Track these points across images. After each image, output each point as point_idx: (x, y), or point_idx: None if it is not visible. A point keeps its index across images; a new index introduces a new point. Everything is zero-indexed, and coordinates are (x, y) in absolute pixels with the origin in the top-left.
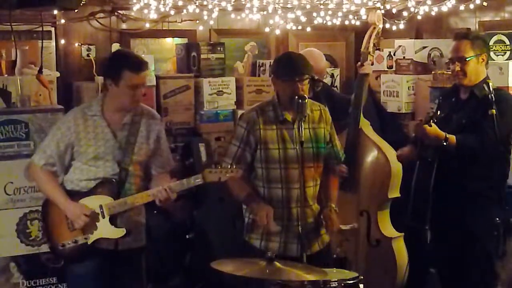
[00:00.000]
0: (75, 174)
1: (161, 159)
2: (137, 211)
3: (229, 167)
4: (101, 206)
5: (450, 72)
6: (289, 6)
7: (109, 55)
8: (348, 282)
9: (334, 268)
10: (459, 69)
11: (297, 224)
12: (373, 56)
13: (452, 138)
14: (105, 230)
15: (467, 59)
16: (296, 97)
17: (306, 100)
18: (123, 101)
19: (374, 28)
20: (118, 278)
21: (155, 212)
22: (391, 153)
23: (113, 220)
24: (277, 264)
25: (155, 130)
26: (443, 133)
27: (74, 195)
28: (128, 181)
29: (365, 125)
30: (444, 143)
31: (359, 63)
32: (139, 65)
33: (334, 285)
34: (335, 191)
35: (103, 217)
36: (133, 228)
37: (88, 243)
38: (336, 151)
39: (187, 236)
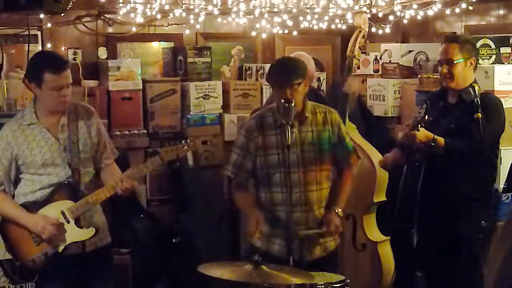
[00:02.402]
0: (26, 186)
1: (106, 150)
2: (95, 209)
3: (183, 142)
4: (63, 212)
5: (436, 76)
6: (275, 10)
7: (30, 58)
8: (335, 285)
9: (321, 272)
10: (447, 71)
11: (299, 228)
12: (358, 59)
13: (441, 139)
14: (73, 234)
15: (455, 62)
16: (283, 100)
17: (293, 104)
18: (50, 103)
19: (360, 31)
20: (91, 280)
21: (141, 216)
22: (377, 157)
23: (79, 223)
24: (264, 268)
25: (94, 123)
26: (431, 134)
27: (31, 207)
28: (83, 180)
29: (351, 129)
30: (432, 144)
31: (345, 76)
32: (59, 65)
33: None
34: (344, 193)
35: (68, 222)
36: (99, 226)
37: (59, 251)
38: (347, 150)
39: (173, 240)
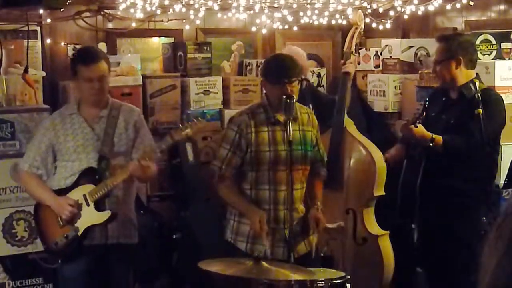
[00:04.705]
0: (60, 173)
1: (143, 148)
2: (126, 205)
3: (193, 120)
4: (84, 195)
5: None
6: (275, 5)
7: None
8: (335, 281)
9: (321, 268)
10: (437, 71)
11: (284, 227)
12: (355, 55)
13: (439, 139)
14: (91, 217)
15: (441, 62)
16: (284, 96)
17: (294, 100)
18: (83, 94)
19: (356, 28)
20: (108, 275)
21: (141, 212)
22: (376, 151)
23: (99, 207)
24: (264, 264)
25: (133, 120)
26: (429, 134)
27: (61, 192)
28: (110, 171)
29: (349, 124)
30: (430, 144)
31: (342, 61)
32: (89, 57)
33: (321, 284)
34: (320, 191)
35: (88, 205)
36: (121, 217)
37: (79, 235)
38: (322, 154)
39: (174, 236)
